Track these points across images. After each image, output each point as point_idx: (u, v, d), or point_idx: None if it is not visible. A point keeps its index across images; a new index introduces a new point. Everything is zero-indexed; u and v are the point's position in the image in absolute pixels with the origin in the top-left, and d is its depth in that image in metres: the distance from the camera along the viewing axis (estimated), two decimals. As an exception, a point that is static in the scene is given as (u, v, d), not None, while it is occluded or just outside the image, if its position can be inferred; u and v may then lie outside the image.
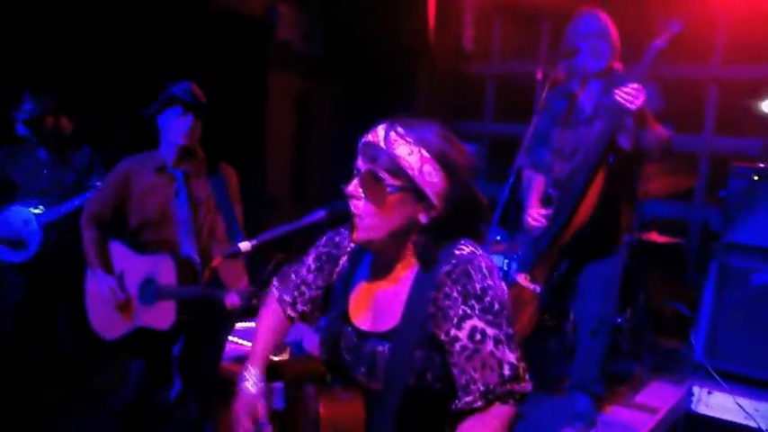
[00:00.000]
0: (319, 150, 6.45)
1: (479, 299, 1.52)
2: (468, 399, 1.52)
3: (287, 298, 1.90)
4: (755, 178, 3.90)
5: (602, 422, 3.52)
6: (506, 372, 1.51)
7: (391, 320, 1.61)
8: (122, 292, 3.06)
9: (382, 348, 1.59)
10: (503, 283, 1.59)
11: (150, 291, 3.01)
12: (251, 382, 1.81)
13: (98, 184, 3.43)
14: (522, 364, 1.54)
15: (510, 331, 1.54)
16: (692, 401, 3.80)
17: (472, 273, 1.54)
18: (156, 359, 3.14)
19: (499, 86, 6.64)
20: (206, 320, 3.05)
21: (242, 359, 3.57)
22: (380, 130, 1.58)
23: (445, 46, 6.37)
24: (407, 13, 6.01)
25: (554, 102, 3.57)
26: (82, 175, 4.00)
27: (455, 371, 1.54)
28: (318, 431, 1.53)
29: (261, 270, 1.58)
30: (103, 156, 4.00)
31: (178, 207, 3.07)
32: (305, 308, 1.88)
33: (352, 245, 1.76)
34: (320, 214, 1.58)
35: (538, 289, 3.37)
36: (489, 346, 1.51)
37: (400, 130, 1.56)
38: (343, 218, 1.59)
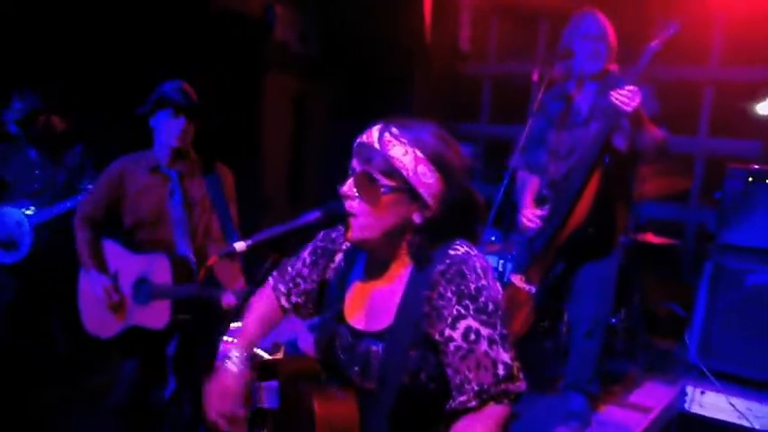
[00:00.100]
0: (316, 151, 6.46)
1: (474, 299, 1.53)
2: (462, 398, 1.52)
3: (282, 288, 1.90)
4: (750, 180, 3.91)
5: (596, 421, 3.54)
6: (500, 371, 1.51)
7: (385, 320, 1.61)
8: (116, 294, 3.05)
9: (376, 348, 1.60)
10: (497, 284, 1.59)
11: (145, 290, 3.01)
12: (233, 361, 1.81)
13: (89, 187, 3.42)
14: (516, 364, 1.54)
15: (504, 331, 1.54)
16: (685, 401, 3.81)
17: (467, 273, 1.54)
18: (149, 359, 3.14)
19: (496, 87, 6.65)
20: (201, 320, 3.05)
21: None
22: (375, 130, 1.58)
23: (442, 46, 6.38)
24: (404, 14, 6.01)
25: (550, 103, 3.58)
26: (74, 173, 3.98)
27: (449, 371, 1.55)
28: (313, 430, 1.54)
29: (256, 270, 1.59)
30: (104, 155, 3.98)
31: (173, 207, 3.07)
32: (299, 299, 1.89)
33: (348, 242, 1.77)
34: (316, 215, 1.59)
35: (533, 290, 3.38)
36: (483, 345, 1.51)
37: (395, 130, 1.56)
38: (339, 218, 1.60)
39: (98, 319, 3.13)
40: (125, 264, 3.09)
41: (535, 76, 3.70)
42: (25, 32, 4.24)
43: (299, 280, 1.88)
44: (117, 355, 3.20)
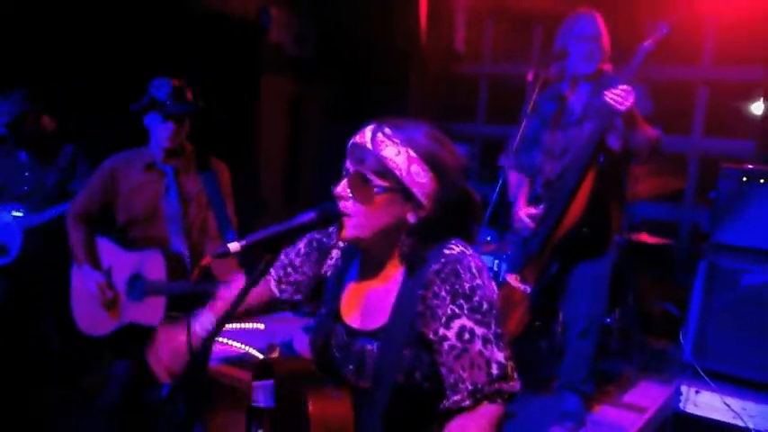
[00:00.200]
0: (312, 152, 6.46)
1: (468, 298, 1.53)
2: (456, 398, 1.53)
3: (273, 273, 1.90)
4: (744, 180, 3.92)
5: (591, 421, 3.54)
6: (494, 371, 1.52)
7: (380, 319, 1.62)
8: (110, 290, 3.05)
9: (371, 347, 1.61)
10: (492, 283, 1.60)
11: (139, 287, 3.00)
12: (200, 322, 1.82)
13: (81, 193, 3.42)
14: (510, 364, 1.55)
15: (498, 330, 1.54)
16: (680, 401, 3.82)
17: (461, 272, 1.55)
18: (142, 358, 3.13)
19: (491, 88, 6.66)
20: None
21: (231, 360, 3.60)
22: (368, 131, 1.59)
23: (437, 47, 6.39)
24: (399, 15, 6.02)
25: (544, 104, 3.59)
26: (65, 174, 3.95)
27: (443, 370, 1.55)
28: (308, 429, 1.54)
29: (250, 271, 1.59)
30: (100, 154, 3.97)
31: (168, 203, 3.07)
32: (288, 288, 1.89)
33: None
34: (310, 215, 1.59)
35: (528, 289, 3.39)
36: (478, 345, 1.52)
37: (387, 131, 1.57)
38: (333, 219, 1.60)
39: (91, 317, 3.13)
40: (118, 260, 3.09)
41: (530, 77, 3.71)
42: (20, 34, 4.23)
43: (289, 269, 1.88)
44: (110, 355, 3.19)
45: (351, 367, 1.64)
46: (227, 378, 3.45)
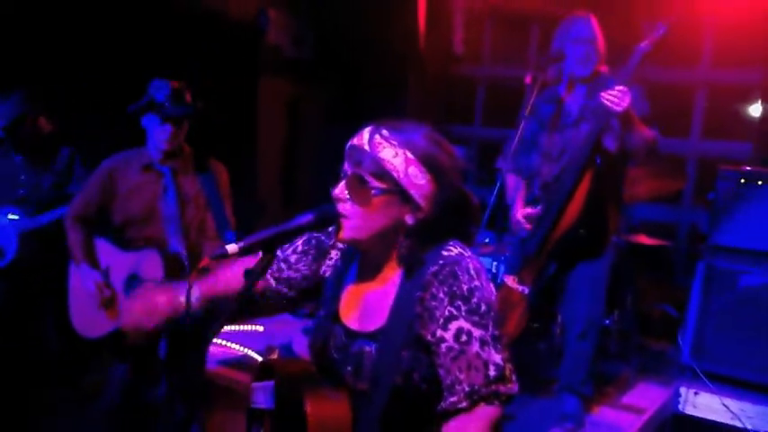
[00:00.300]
0: (310, 154, 6.45)
1: (466, 300, 1.53)
2: (453, 399, 1.52)
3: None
4: (742, 181, 3.93)
5: (590, 423, 3.54)
6: (492, 372, 1.51)
7: (378, 320, 1.62)
8: (108, 289, 3.05)
9: (369, 348, 1.61)
10: (491, 285, 1.59)
11: (136, 287, 3.00)
12: (189, 292, 1.83)
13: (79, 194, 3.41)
14: (508, 365, 1.54)
15: (496, 332, 1.54)
16: (679, 402, 3.83)
17: (459, 274, 1.54)
18: (140, 359, 3.13)
19: (489, 90, 6.67)
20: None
21: (229, 362, 3.60)
22: (366, 133, 1.59)
23: (435, 49, 6.39)
24: (397, 17, 6.02)
25: (541, 106, 3.60)
26: (61, 177, 3.92)
27: (441, 371, 1.55)
28: (306, 430, 1.54)
29: (248, 272, 1.59)
30: (98, 156, 3.96)
31: (166, 204, 3.07)
32: (279, 286, 1.87)
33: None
34: (308, 217, 1.59)
35: (526, 291, 3.39)
36: (475, 347, 1.51)
37: (385, 132, 1.57)
38: (331, 221, 1.60)
39: (88, 317, 3.12)
40: (116, 261, 3.09)
41: (528, 80, 3.72)
42: (24, 33, 4.22)
43: (282, 265, 1.86)
44: (106, 356, 3.19)
45: (349, 368, 1.64)
46: (226, 380, 3.45)
